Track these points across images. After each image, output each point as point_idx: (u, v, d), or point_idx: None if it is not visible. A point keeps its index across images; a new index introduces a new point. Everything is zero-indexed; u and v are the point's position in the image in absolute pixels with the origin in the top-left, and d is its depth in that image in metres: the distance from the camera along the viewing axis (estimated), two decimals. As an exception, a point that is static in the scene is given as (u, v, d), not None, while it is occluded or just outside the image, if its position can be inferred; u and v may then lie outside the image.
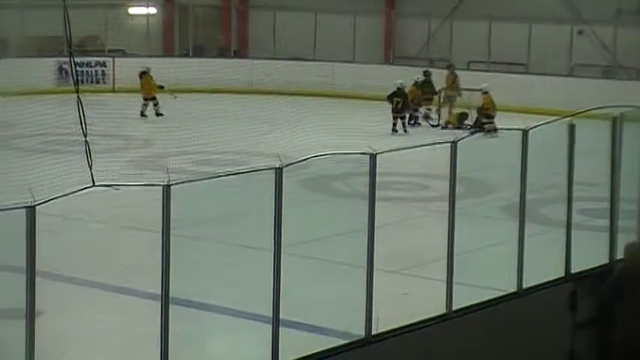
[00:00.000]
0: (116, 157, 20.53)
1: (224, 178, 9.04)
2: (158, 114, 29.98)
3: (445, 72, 31.57)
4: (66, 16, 10.17)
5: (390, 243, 14.08)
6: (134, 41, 36.73)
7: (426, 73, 31.07)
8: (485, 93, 28.96)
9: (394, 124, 28.37)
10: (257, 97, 32.16)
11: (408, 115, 29.07)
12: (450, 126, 28.79)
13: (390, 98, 28.59)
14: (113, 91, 34.58)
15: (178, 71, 33.12)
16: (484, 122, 28.13)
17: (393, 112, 28.55)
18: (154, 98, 30.32)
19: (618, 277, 9.81)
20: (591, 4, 33.59)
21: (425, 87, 30.44)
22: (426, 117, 29.86)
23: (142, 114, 30.15)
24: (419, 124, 29.55)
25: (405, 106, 28.79)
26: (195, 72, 33.17)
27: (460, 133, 26.20)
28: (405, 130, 28.38)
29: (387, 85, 29.48)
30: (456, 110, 29.95)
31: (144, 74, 31.00)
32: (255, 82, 35.08)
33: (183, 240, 10.58)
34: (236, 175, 9.16)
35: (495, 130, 26.80)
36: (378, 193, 9.07)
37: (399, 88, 28.90)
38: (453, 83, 31.07)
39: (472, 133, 25.86)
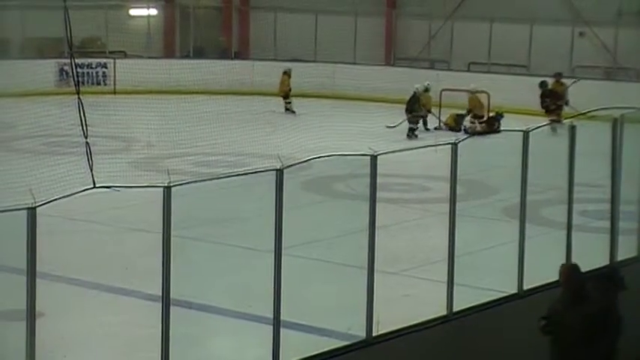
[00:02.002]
0: (117, 158, 20.51)
1: (225, 179, 9.05)
2: (290, 110, 31.62)
3: (551, 80, 30.37)
4: (67, 17, 10.15)
5: (391, 244, 14.10)
6: (135, 43, 36.71)
7: (544, 84, 29.86)
8: (473, 94, 28.95)
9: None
10: (258, 98, 32.17)
11: (412, 121, 28.38)
12: (444, 127, 28.80)
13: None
14: (114, 92, 34.56)
15: (179, 73, 33.18)
16: (475, 122, 28.18)
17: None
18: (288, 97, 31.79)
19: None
20: (592, 5, 33.58)
21: (550, 96, 29.47)
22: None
23: (290, 110, 31.58)
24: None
25: (409, 111, 28.45)
26: (195, 73, 33.14)
27: (455, 134, 26.31)
28: (408, 136, 27.90)
29: (387, 86, 29.46)
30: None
31: (285, 73, 31.85)
32: (255, 84, 35.07)
33: (184, 241, 10.59)
34: (237, 177, 9.16)
35: (483, 132, 26.84)
36: (378, 195, 9.07)
37: (414, 93, 28.82)
38: (562, 92, 29.74)
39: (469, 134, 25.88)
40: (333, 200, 19.38)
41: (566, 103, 29.38)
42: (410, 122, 28.35)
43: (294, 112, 31.49)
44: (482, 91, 29.27)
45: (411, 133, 27.97)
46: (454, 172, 9.84)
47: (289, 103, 31.82)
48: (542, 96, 29.66)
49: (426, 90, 29.29)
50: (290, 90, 32.13)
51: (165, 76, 33.14)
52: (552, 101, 29.45)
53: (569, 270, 8.87)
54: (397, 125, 28.20)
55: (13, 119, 25.84)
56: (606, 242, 11.69)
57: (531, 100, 30.70)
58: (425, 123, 29.15)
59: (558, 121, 27.98)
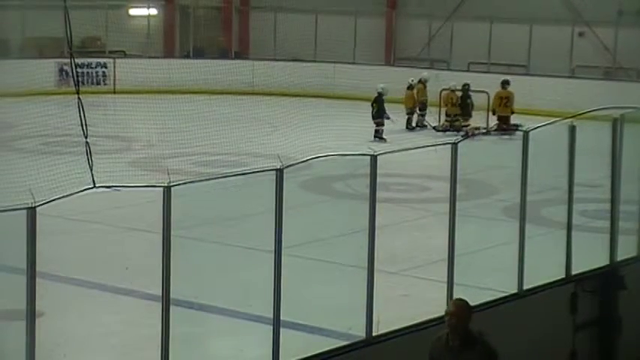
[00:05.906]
0: (117, 158, 20.52)
1: (225, 179, 9.05)
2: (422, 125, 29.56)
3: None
4: (67, 17, 10.16)
5: (391, 244, 14.10)
6: (135, 42, 36.73)
7: (465, 87, 29.30)
8: (452, 91, 29.09)
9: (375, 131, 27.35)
10: (258, 98, 32.16)
11: (382, 122, 27.54)
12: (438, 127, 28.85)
13: (371, 104, 27.89)
14: (114, 92, 34.58)
15: (179, 72, 33.18)
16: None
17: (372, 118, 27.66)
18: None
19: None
20: (592, 5, 33.60)
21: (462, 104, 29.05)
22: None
23: (422, 125, 29.64)
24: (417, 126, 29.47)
25: (379, 113, 27.63)
26: (195, 73, 33.14)
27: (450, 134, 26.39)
28: (382, 138, 26.97)
29: (387, 86, 29.37)
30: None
31: (420, 82, 30.08)
32: (255, 84, 35.09)
33: (184, 241, 10.59)
34: (237, 177, 9.16)
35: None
36: (378, 194, 9.07)
37: (379, 93, 28.10)
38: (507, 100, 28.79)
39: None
40: (333, 200, 19.38)
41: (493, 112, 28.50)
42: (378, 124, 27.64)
43: (425, 126, 29.34)
44: (482, 91, 29.25)
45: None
46: (454, 172, 9.84)
47: (423, 115, 29.71)
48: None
49: (379, 94, 28.14)
50: (426, 100, 29.79)
51: (165, 76, 33.14)
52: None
53: (460, 308, 7.41)
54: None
55: (13, 119, 25.84)
56: (606, 242, 11.69)
57: (531, 100, 30.75)
58: (409, 121, 29.26)
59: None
